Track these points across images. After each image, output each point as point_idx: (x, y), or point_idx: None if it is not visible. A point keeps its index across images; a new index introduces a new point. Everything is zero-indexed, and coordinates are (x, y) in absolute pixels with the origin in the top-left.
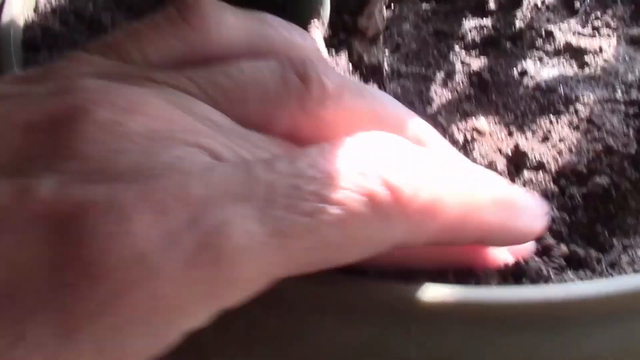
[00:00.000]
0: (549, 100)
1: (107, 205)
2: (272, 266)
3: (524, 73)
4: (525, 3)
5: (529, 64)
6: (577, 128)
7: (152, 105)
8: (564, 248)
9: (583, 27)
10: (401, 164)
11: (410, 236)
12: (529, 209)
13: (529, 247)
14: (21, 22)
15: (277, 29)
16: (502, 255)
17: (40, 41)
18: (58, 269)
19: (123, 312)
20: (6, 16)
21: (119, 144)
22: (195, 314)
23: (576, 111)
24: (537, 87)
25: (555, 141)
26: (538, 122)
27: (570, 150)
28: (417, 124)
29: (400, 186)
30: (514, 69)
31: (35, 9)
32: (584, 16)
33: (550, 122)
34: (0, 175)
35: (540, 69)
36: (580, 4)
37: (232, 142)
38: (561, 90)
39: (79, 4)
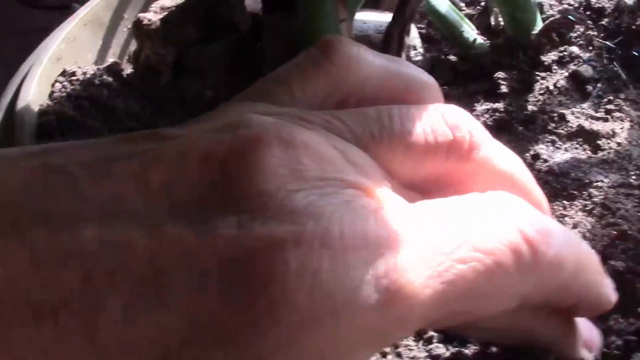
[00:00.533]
0: (562, 184)
1: (292, 244)
2: (430, 310)
3: (536, 157)
4: (537, 86)
5: (541, 148)
6: (591, 213)
7: (317, 145)
8: None
9: (596, 110)
10: (534, 219)
11: (535, 291)
12: (608, 280)
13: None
14: (36, 108)
15: (411, 68)
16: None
17: (54, 127)
18: (243, 308)
19: (302, 351)
20: (21, 102)
21: (295, 181)
22: (361, 356)
23: (590, 196)
24: (550, 171)
25: (569, 226)
26: (551, 206)
27: (584, 236)
28: (540, 192)
29: (536, 240)
30: (527, 152)
31: (50, 95)
32: (596, 99)
33: (564, 207)
34: (179, 216)
35: (553, 153)
36: (593, 88)
37: (382, 185)
38: (574, 174)
39: (93, 90)
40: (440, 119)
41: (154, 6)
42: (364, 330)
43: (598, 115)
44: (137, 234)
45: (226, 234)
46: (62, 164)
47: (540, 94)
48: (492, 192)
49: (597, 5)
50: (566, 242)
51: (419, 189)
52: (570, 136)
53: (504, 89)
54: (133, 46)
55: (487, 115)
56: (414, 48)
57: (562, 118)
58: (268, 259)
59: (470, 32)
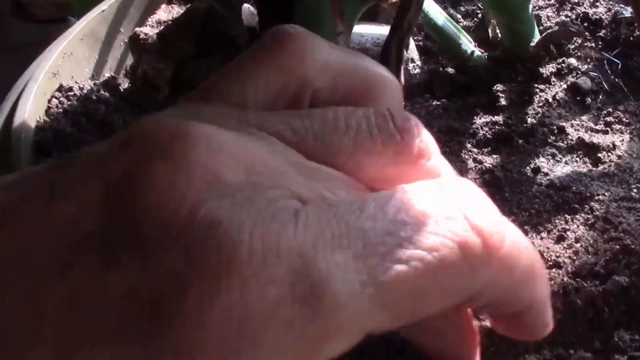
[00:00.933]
0: (564, 198)
1: (196, 279)
2: (368, 318)
3: (537, 170)
4: (536, 99)
5: (542, 161)
6: (592, 227)
7: (232, 145)
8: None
9: (595, 123)
10: (485, 208)
11: (490, 287)
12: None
13: None
14: (32, 124)
15: (370, 62)
16: None
17: (51, 144)
18: (154, 355)
19: None
20: (18, 119)
21: (199, 193)
22: None
23: (591, 209)
24: (551, 184)
25: (571, 241)
26: (553, 221)
27: (586, 251)
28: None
29: (489, 232)
30: (527, 166)
31: (47, 111)
32: (595, 112)
33: (565, 221)
34: (85, 254)
35: (554, 166)
36: (592, 100)
37: (318, 184)
38: (575, 187)
39: (90, 106)
40: (388, 121)
41: (150, 20)
42: (292, 348)
43: (598, 127)
44: (45, 283)
45: (126, 274)
46: None
47: (540, 107)
48: (444, 178)
49: (595, 17)
50: (521, 239)
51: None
52: (571, 149)
53: (503, 101)
54: (129, 60)
55: (486, 129)
56: (412, 61)
57: (562, 131)
58: (170, 300)
59: (468, 44)
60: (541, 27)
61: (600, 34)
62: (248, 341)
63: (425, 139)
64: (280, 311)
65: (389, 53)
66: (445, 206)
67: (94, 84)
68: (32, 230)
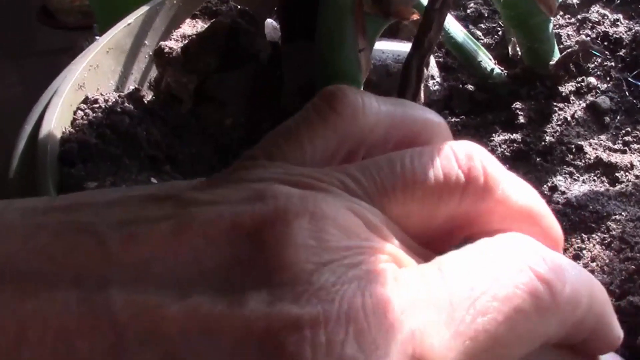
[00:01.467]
0: (580, 217)
1: (321, 323)
2: None
3: (554, 189)
4: (554, 117)
5: (559, 180)
6: (609, 247)
7: (339, 214)
8: None
9: (614, 142)
10: (545, 259)
11: (556, 330)
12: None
13: None
14: (58, 135)
15: (418, 109)
16: None
17: (76, 154)
18: None
19: None
20: (44, 130)
21: (323, 253)
22: None
23: (608, 229)
24: (568, 203)
25: (587, 260)
26: (569, 239)
27: (602, 270)
28: (558, 226)
29: (552, 278)
30: (545, 184)
31: (72, 123)
32: (614, 131)
33: (582, 240)
34: (209, 284)
35: (571, 185)
36: (610, 119)
37: (403, 247)
38: (592, 207)
39: (115, 117)
40: (452, 160)
41: (175, 34)
42: None
43: (616, 147)
44: (167, 300)
45: (257, 308)
46: (91, 224)
47: (558, 125)
48: (501, 235)
49: (615, 36)
50: (578, 276)
51: (430, 236)
52: (588, 168)
53: (521, 119)
54: (153, 72)
55: (504, 146)
56: (432, 77)
57: (580, 149)
58: (297, 338)
59: (488, 61)
60: (561, 46)
61: (620, 53)
62: None
63: (489, 169)
64: None
65: (409, 71)
66: (513, 260)
67: (119, 96)
68: (152, 254)
